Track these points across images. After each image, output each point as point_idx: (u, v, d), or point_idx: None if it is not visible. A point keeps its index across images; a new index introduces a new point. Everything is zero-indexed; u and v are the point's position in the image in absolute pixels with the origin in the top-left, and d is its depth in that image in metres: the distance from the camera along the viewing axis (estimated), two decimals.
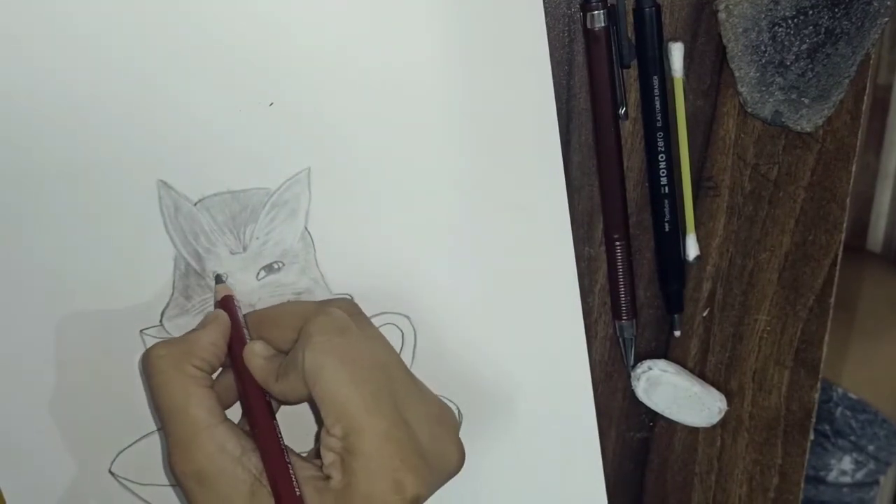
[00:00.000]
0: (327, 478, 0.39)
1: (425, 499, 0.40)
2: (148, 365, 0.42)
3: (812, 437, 0.52)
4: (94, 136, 0.42)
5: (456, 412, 0.48)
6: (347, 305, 0.43)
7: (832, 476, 0.91)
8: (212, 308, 0.45)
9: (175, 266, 0.44)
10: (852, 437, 0.89)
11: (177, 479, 0.41)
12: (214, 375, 0.43)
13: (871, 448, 0.90)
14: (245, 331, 0.43)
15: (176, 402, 0.41)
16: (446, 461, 0.41)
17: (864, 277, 0.96)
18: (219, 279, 0.44)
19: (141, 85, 0.41)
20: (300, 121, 0.42)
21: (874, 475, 0.93)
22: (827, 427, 0.90)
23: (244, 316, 0.44)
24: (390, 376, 0.40)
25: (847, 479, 0.92)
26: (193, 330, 0.44)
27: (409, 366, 0.46)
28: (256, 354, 0.42)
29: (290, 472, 0.40)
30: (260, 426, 0.42)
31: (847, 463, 0.91)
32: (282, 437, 0.42)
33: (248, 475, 0.40)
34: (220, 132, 0.42)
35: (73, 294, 0.44)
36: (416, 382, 0.42)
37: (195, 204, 0.43)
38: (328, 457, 0.39)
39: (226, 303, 0.44)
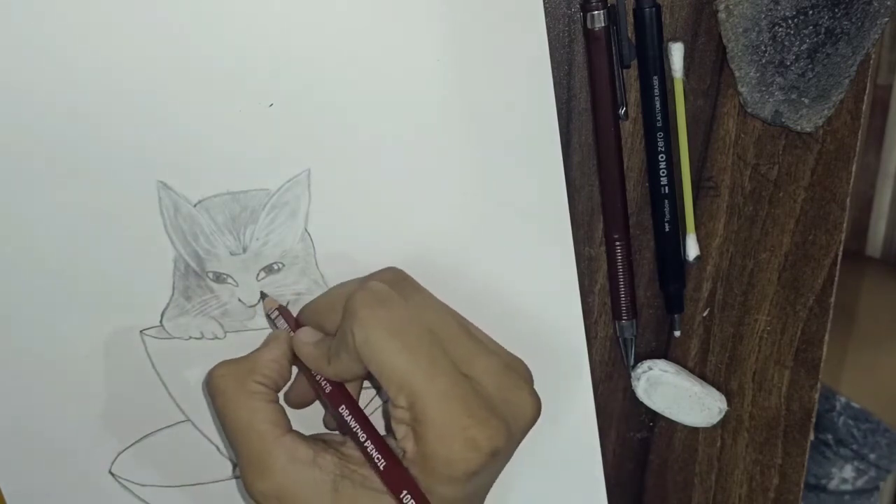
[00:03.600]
0: (404, 452, 0.40)
1: (506, 452, 0.40)
2: (211, 386, 0.43)
3: (812, 437, 0.52)
4: (94, 136, 0.42)
5: None
6: (391, 274, 0.43)
7: (833, 484, 0.91)
8: (211, 308, 0.45)
9: (175, 267, 0.44)
10: (854, 446, 0.89)
11: (255, 501, 0.41)
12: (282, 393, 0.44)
13: (872, 456, 0.90)
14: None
15: (242, 420, 0.41)
16: (520, 410, 0.41)
17: (863, 284, 0.96)
18: (263, 294, 0.45)
19: (141, 86, 0.41)
20: (300, 121, 0.42)
21: (875, 482, 0.93)
22: (829, 436, 0.90)
23: (299, 314, 0.45)
24: (446, 336, 0.40)
25: (848, 487, 0.92)
26: (256, 350, 0.44)
27: None
28: (303, 342, 0.43)
29: (384, 442, 0.41)
30: (341, 412, 0.42)
31: (848, 471, 0.91)
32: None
33: (325, 475, 0.41)
34: (220, 133, 0.42)
35: (74, 294, 0.44)
36: (476, 338, 0.42)
37: (195, 205, 0.43)
38: (400, 430, 0.40)
39: (282, 312, 0.44)
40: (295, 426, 0.43)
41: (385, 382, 0.39)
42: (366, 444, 0.41)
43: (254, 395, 0.42)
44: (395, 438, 0.40)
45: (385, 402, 0.40)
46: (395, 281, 0.42)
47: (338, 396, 0.42)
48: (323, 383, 0.43)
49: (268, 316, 0.45)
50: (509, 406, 0.40)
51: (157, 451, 0.47)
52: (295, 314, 0.45)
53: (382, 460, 0.40)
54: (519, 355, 0.44)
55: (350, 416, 0.42)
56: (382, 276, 0.43)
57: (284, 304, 0.45)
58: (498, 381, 0.40)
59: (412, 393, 0.38)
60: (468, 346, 0.41)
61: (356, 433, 0.41)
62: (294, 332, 0.44)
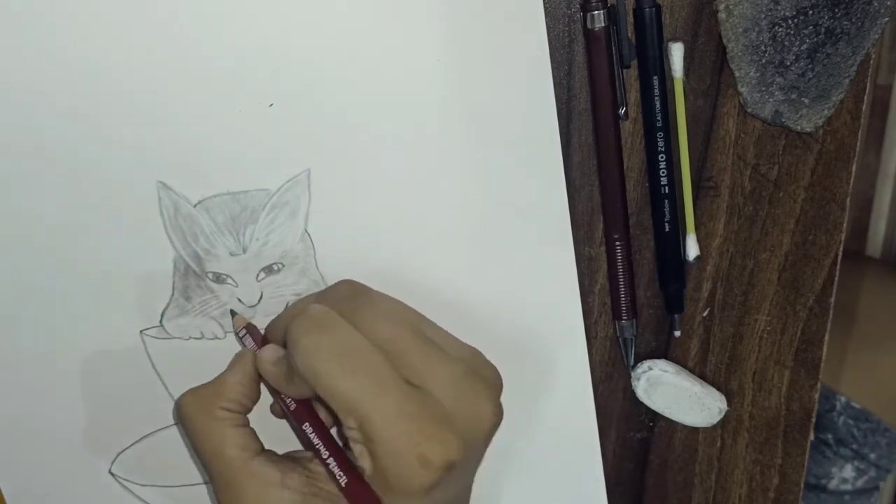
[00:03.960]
0: (363, 469, 0.40)
1: (465, 462, 0.40)
2: (180, 414, 0.43)
3: (812, 437, 0.52)
4: (94, 136, 0.42)
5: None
6: (344, 289, 0.43)
7: (833, 484, 0.91)
8: (211, 308, 0.45)
9: (175, 267, 0.44)
10: (854, 446, 0.89)
11: None
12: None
13: (872, 456, 0.90)
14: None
15: (211, 447, 0.42)
16: (478, 420, 0.40)
17: (863, 284, 0.96)
18: (232, 312, 0.45)
19: (141, 86, 0.41)
20: (300, 121, 0.42)
21: (875, 482, 0.93)
22: (829, 436, 0.90)
23: (268, 327, 0.45)
24: (398, 348, 0.40)
25: (848, 487, 0.92)
26: (222, 373, 0.44)
27: None
28: (264, 361, 0.43)
29: (346, 459, 0.41)
30: (304, 430, 0.42)
31: (848, 471, 0.91)
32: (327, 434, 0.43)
33: (295, 494, 0.41)
34: (219, 133, 0.42)
35: (74, 294, 0.44)
36: (434, 346, 0.41)
37: (195, 205, 0.43)
38: (356, 449, 0.40)
39: (249, 330, 0.44)
40: (275, 441, 0.43)
41: (333, 406, 0.39)
42: (328, 461, 0.41)
43: (220, 421, 0.42)
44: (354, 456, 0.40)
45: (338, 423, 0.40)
46: (346, 296, 0.42)
47: (301, 414, 0.43)
48: (288, 400, 0.43)
49: (236, 334, 0.45)
50: (466, 415, 0.40)
51: (157, 451, 0.47)
52: (251, 323, 0.45)
53: (344, 477, 0.40)
54: (519, 355, 0.44)
55: (313, 434, 0.42)
56: (333, 291, 0.43)
57: (284, 304, 0.45)
58: (454, 390, 0.40)
59: (360, 415, 0.38)
60: (422, 355, 0.40)
61: (319, 450, 0.42)
62: (259, 349, 0.44)
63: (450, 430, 0.39)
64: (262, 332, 0.45)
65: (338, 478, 0.41)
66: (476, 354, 0.43)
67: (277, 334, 0.44)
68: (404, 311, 0.43)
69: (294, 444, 0.45)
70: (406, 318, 0.42)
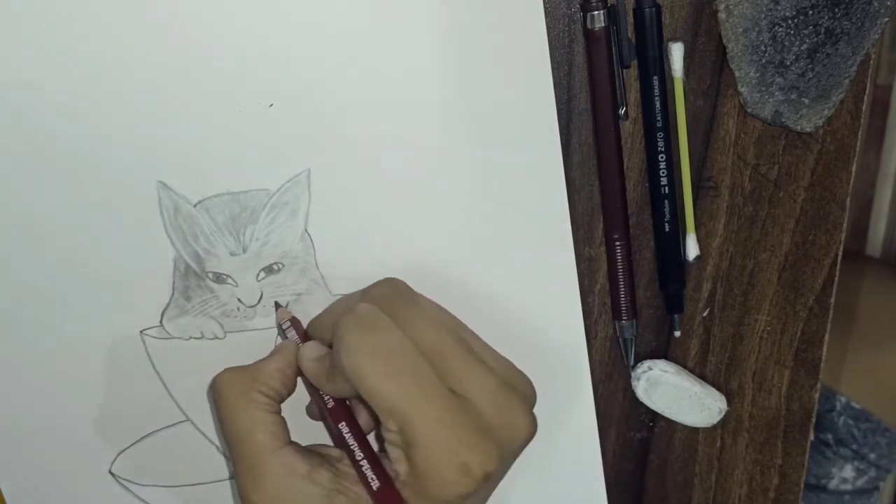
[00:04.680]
0: (397, 473, 0.40)
1: (498, 473, 0.40)
2: (215, 391, 0.43)
3: (812, 437, 0.52)
4: (94, 136, 0.42)
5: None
6: (387, 288, 0.43)
7: (833, 484, 0.91)
8: (211, 308, 0.45)
9: (175, 267, 0.44)
10: (854, 446, 0.89)
11: None
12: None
13: (872, 456, 0.90)
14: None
15: (241, 428, 0.42)
16: (515, 432, 0.40)
17: (863, 284, 0.96)
18: (277, 304, 0.45)
19: (141, 86, 0.41)
20: (300, 121, 0.42)
21: (875, 482, 0.93)
22: (829, 436, 0.90)
23: (310, 324, 0.45)
24: (440, 353, 0.40)
25: (848, 487, 0.92)
26: (262, 359, 0.44)
27: None
28: (305, 358, 0.43)
29: (379, 463, 0.41)
30: (340, 429, 0.42)
31: (848, 471, 0.91)
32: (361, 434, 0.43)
33: (320, 489, 0.41)
34: (219, 133, 0.42)
35: (74, 294, 0.44)
36: (474, 354, 0.41)
37: (195, 205, 0.43)
38: (393, 452, 0.40)
39: (293, 324, 0.45)
40: (298, 436, 0.43)
41: (375, 407, 0.39)
42: (361, 463, 0.41)
43: (255, 404, 0.42)
44: (389, 459, 0.40)
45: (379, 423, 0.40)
46: (391, 296, 0.42)
47: (338, 413, 0.43)
48: (326, 398, 0.43)
49: (279, 326, 0.45)
50: (503, 427, 0.40)
51: (157, 451, 0.47)
52: (296, 316, 0.45)
53: (376, 481, 0.40)
54: (519, 355, 0.44)
55: (349, 434, 0.42)
56: (378, 290, 0.43)
57: (284, 304, 0.45)
58: (493, 400, 0.40)
59: (402, 419, 0.38)
60: (464, 363, 0.40)
61: (353, 451, 0.42)
62: (302, 344, 0.44)
63: (490, 441, 0.39)
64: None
65: (370, 481, 0.40)
66: (511, 366, 0.43)
67: (321, 331, 0.44)
68: (446, 317, 0.43)
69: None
70: (448, 323, 0.42)
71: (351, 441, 0.42)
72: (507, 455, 0.40)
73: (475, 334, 0.43)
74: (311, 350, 0.43)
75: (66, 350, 0.45)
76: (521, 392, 0.42)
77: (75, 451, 0.47)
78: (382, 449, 0.41)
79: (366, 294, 0.43)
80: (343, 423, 0.42)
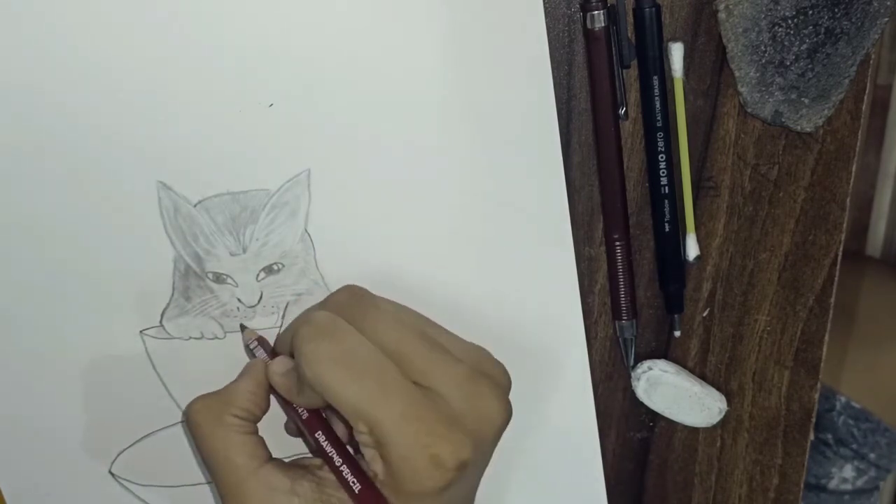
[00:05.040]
0: (375, 473, 0.40)
1: (476, 461, 0.40)
2: (188, 420, 0.43)
3: (812, 437, 0.52)
4: (94, 137, 0.42)
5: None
6: (345, 295, 0.43)
7: (833, 484, 0.91)
8: (211, 308, 0.45)
9: (175, 267, 0.44)
10: (854, 446, 0.89)
11: None
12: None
13: (872, 456, 0.90)
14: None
15: (219, 453, 0.42)
16: (487, 419, 0.41)
17: (863, 284, 0.96)
18: (242, 327, 0.45)
19: (141, 86, 0.41)
20: (300, 121, 0.42)
21: (875, 482, 0.93)
22: (829, 436, 0.90)
23: (276, 339, 0.45)
24: (404, 350, 0.40)
25: (848, 487, 0.92)
26: (232, 381, 0.44)
27: None
28: (274, 373, 0.43)
29: (358, 466, 0.41)
30: (317, 438, 0.43)
31: (848, 471, 0.91)
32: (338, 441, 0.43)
33: (303, 501, 0.41)
34: (219, 133, 0.42)
35: (74, 294, 0.44)
36: (439, 347, 0.41)
37: (195, 205, 0.43)
38: (367, 453, 0.40)
39: (260, 342, 0.45)
40: (279, 450, 0.43)
41: (342, 412, 0.39)
42: (341, 468, 0.41)
43: (230, 428, 0.42)
44: (366, 461, 0.41)
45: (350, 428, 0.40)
46: (348, 301, 0.42)
47: (313, 423, 0.43)
48: (300, 410, 0.43)
49: (247, 346, 0.45)
50: (474, 415, 0.40)
51: (157, 451, 0.47)
52: (262, 335, 0.46)
53: (357, 484, 0.41)
54: (519, 355, 0.44)
55: (326, 442, 0.42)
56: (336, 297, 0.43)
57: (284, 305, 0.45)
58: (461, 390, 0.40)
59: (369, 419, 0.39)
60: (428, 357, 0.40)
61: (331, 458, 0.42)
62: (269, 361, 0.44)
63: (460, 430, 0.39)
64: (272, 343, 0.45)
65: (351, 485, 0.41)
66: (482, 354, 0.43)
67: (286, 346, 0.44)
68: (408, 315, 0.43)
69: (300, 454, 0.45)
70: (410, 321, 0.42)
71: (328, 448, 0.42)
72: (481, 443, 0.40)
73: (442, 328, 0.43)
74: (279, 365, 0.43)
75: (66, 350, 0.45)
76: (493, 379, 0.42)
77: (75, 451, 0.47)
78: (359, 451, 0.41)
79: (323, 303, 0.43)
80: (319, 431, 0.42)
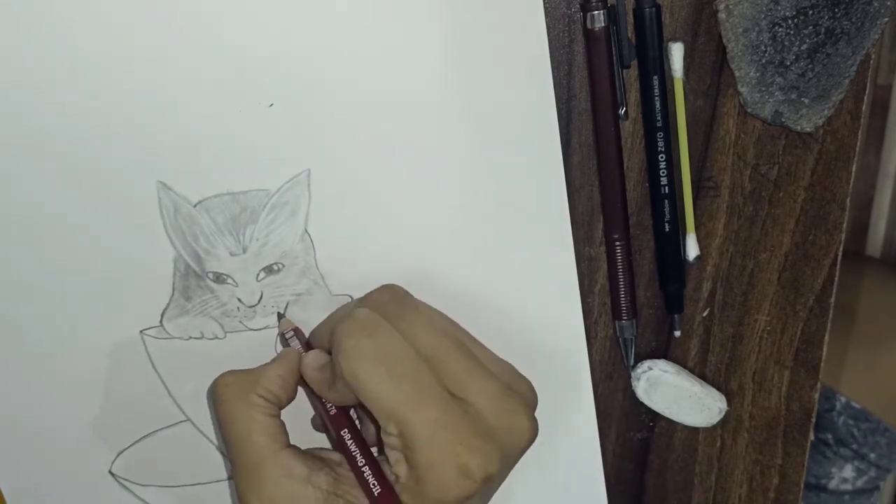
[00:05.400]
0: (397, 477, 0.40)
1: (499, 476, 0.40)
2: (215, 393, 0.43)
3: (812, 437, 0.52)
4: (94, 137, 0.42)
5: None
6: (386, 294, 0.43)
7: (833, 484, 0.91)
8: (211, 308, 0.45)
9: (175, 267, 0.44)
10: (854, 446, 0.89)
11: None
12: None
13: (872, 456, 0.90)
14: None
15: (239, 430, 0.42)
16: (516, 435, 0.41)
17: (863, 284, 0.96)
18: (279, 315, 0.45)
19: (141, 86, 0.41)
20: (300, 122, 0.42)
21: (875, 482, 0.93)
22: (829, 436, 0.90)
23: (312, 333, 0.45)
24: (440, 357, 0.40)
25: (848, 487, 0.92)
26: (265, 364, 0.44)
27: None
28: (308, 366, 0.43)
29: (380, 468, 0.41)
30: (343, 436, 0.43)
31: (848, 471, 0.91)
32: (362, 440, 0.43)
33: (318, 492, 0.41)
34: (219, 133, 0.42)
35: (74, 294, 0.44)
36: (474, 358, 0.41)
37: (195, 205, 0.43)
38: (392, 455, 0.40)
39: (296, 333, 0.45)
40: (298, 439, 0.43)
41: (374, 412, 0.39)
42: (363, 468, 0.41)
43: (254, 406, 0.42)
44: (388, 463, 0.40)
45: (377, 427, 0.40)
46: (389, 301, 0.42)
47: (340, 420, 0.43)
48: (328, 406, 0.43)
49: (282, 335, 0.45)
50: (505, 431, 0.40)
51: (157, 451, 0.47)
52: (296, 316, 0.45)
53: (377, 486, 0.41)
54: (519, 355, 0.44)
55: (351, 441, 0.42)
56: (377, 296, 0.43)
57: (284, 305, 0.45)
58: (494, 404, 0.40)
59: (401, 422, 0.38)
60: (464, 367, 0.40)
61: (354, 457, 0.42)
62: (305, 352, 0.44)
63: (491, 443, 0.39)
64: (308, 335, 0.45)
65: (371, 486, 0.41)
66: (512, 370, 0.43)
67: (322, 340, 0.44)
68: (446, 322, 0.43)
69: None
70: (448, 328, 0.42)
71: (353, 447, 0.42)
72: (508, 458, 0.40)
73: (476, 339, 0.43)
74: (314, 358, 0.43)
75: (66, 350, 0.45)
76: (523, 396, 0.42)
77: (75, 451, 0.47)
78: (382, 453, 0.41)
79: (364, 300, 0.43)
80: (345, 429, 0.42)
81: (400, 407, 0.38)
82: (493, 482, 0.39)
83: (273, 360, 0.44)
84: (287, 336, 0.45)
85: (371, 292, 0.44)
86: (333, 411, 0.43)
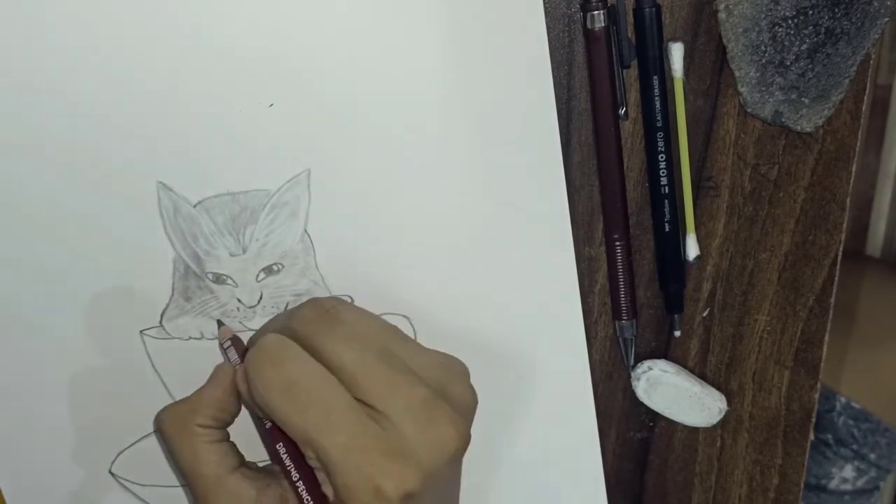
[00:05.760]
0: (325, 496, 0.40)
1: (426, 490, 0.39)
2: (158, 430, 0.44)
3: (812, 437, 0.52)
4: (94, 137, 0.42)
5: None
6: (311, 311, 0.42)
7: (833, 484, 0.91)
8: (211, 309, 0.45)
9: (175, 267, 0.44)
10: (854, 446, 0.89)
11: None
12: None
13: (872, 456, 0.90)
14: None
15: (186, 462, 0.42)
16: (439, 446, 0.40)
17: (863, 284, 0.96)
18: (219, 323, 0.45)
19: (140, 86, 0.41)
20: (300, 121, 0.42)
21: (875, 482, 0.93)
22: (829, 436, 0.90)
23: (248, 342, 0.45)
24: (359, 376, 0.39)
25: (848, 487, 0.92)
26: (200, 388, 0.44)
27: None
28: (241, 381, 0.43)
29: (316, 482, 0.41)
30: (278, 450, 0.43)
31: (849, 471, 0.91)
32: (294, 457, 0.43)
33: None
34: (219, 133, 0.42)
35: (74, 294, 0.44)
36: (400, 369, 0.40)
37: (195, 206, 0.43)
38: (319, 475, 0.40)
39: (234, 343, 0.44)
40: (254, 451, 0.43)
41: (291, 436, 0.40)
42: (297, 483, 0.41)
43: (196, 437, 0.42)
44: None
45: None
46: (313, 319, 0.41)
47: (275, 434, 0.42)
48: (263, 420, 0.43)
49: (221, 345, 0.45)
50: (427, 442, 0.39)
51: (157, 451, 0.47)
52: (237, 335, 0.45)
53: (311, 502, 0.41)
54: (518, 355, 0.44)
55: (286, 455, 0.42)
56: (301, 313, 0.42)
57: (284, 305, 0.45)
58: (415, 416, 0.39)
59: (314, 448, 0.39)
60: (385, 380, 0.40)
61: (290, 472, 0.42)
62: (239, 366, 0.43)
63: (406, 463, 0.38)
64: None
65: (305, 501, 0.41)
66: (452, 371, 0.42)
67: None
68: (373, 331, 0.42)
69: None
70: (373, 339, 0.41)
71: (288, 462, 0.42)
72: (433, 471, 0.39)
73: (413, 342, 0.43)
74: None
75: (66, 350, 0.45)
76: (455, 402, 0.41)
77: (75, 451, 0.47)
78: None
79: (290, 316, 0.42)
80: (280, 443, 0.42)
81: (310, 435, 0.38)
82: (416, 498, 0.39)
83: (208, 382, 0.44)
84: (225, 346, 0.44)
85: (297, 307, 0.43)
86: (269, 425, 0.43)
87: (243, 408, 0.44)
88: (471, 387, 0.43)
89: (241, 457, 0.44)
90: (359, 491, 0.38)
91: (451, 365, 0.43)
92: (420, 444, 0.39)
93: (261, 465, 0.46)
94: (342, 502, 0.39)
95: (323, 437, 0.38)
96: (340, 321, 0.41)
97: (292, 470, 0.42)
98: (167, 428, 0.43)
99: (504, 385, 0.49)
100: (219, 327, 0.45)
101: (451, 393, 0.41)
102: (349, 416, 0.39)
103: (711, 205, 0.47)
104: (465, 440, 0.41)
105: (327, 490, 0.40)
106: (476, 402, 0.43)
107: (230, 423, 0.44)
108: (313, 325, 0.41)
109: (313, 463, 0.40)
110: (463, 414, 0.41)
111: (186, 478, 0.43)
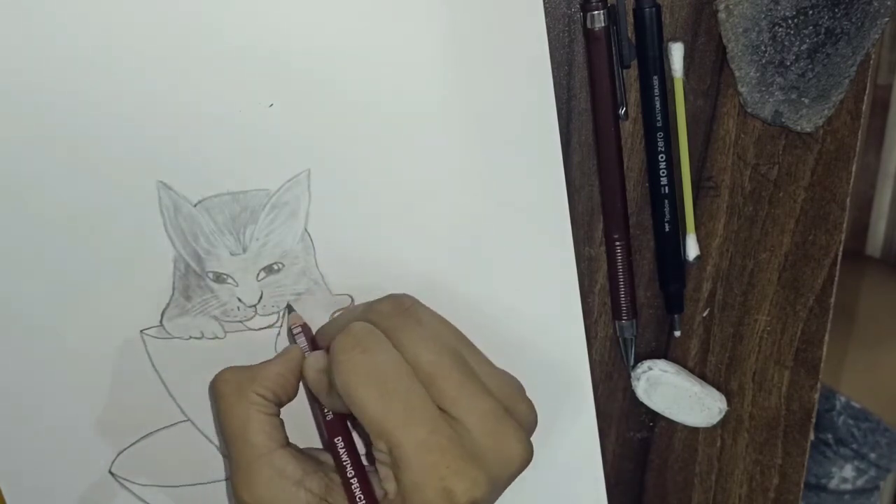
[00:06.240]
0: (385, 492, 0.40)
1: (486, 500, 0.39)
2: (214, 388, 0.43)
3: (812, 436, 0.52)
4: (94, 136, 0.42)
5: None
6: (391, 306, 0.42)
7: (833, 483, 0.91)
8: (211, 308, 0.45)
9: (175, 267, 0.44)
10: (854, 446, 0.89)
11: None
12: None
13: (872, 456, 0.90)
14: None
15: (236, 427, 0.42)
16: (507, 459, 0.40)
17: (863, 284, 0.96)
18: (289, 308, 0.45)
19: (141, 86, 0.41)
20: (300, 121, 0.42)
21: (875, 481, 0.93)
22: (829, 435, 0.90)
23: (318, 332, 0.45)
24: (437, 374, 0.40)
25: (848, 487, 0.92)
26: (266, 360, 0.44)
27: None
28: (310, 367, 0.43)
29: (369, 482, 0.41)
30: (335, 443, 0.43)
31: (848, 471, 0.91)
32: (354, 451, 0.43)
33: (310, 496, 0.41)
34: (219, 133, 0.42)
35: (74, 294, 0.44)
36: (473, 376, 0.41)
37: (195, 205, 0.43)
38: (382, 471, 0.40)
39: (304, 331, 0.44)
40: (299, 442, 0.43)
41: (365, 428, 0.39)
42: (351, 480, 0.41)
43: (252, 404, 0.42)
44: (379, 476, 0.40)
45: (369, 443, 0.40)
46: (392, 314, 0.42)
47: (335, 427, 0.43)
48: (325, 410, 0.43)
49: (289, 330, 0.45)
50: (495, 453, 0.39)
51: (157, 451, 0.47)
52: (300, 314, 0.45)
53: (363, 501, 0.41)
54: (519, 356, 0.44)
55: (343, 450, 0.42)
56: (381, 306, 0.42)
57: (283, 304, 0.45)
58: (487, 426, 0.39)
59: (390, 441, 0.38)
60: (460, 386, 0.40)
61: (345, 467, 0.42)
62: (310, 351, 0.44)
63: (478, 468, 0.39)
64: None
65: (358, 500, 0.41)
66: (514, 388, 0.42)
67: (327, 340, 0.43)
68: (448, 335, 0.42)
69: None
70: (449, 342, 0.41)
71: (344, 457, 0.42)
72: (496, 482, 0.40)
73: (480, 352, 0.43)
74: (316, 360, 0.43)
75: (66, 350, 0.45)
76: (520, 418, 0.41)
77: (75, 451, 0.47)
78: (374, 465, 0.41)
79: (369, 309, 0.43)
80: (339, 437, 0.42)
81: (389, 426, 0.38)
82: None
83: (276, 357, 0.44)
84: (294, 332, 0.45)
85: (376, 301, 0.43)
86: (330, 417, 0.43)
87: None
88: (532, 405, 0.43)
89: (287, 437, 0.43)
90: (427, 489, 0.38)
91: (513, 381, 0.43)
92: (489, 453, 0.39)
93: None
94: (405, 499, 0.38)
95: (401, 430, 0.38)
96: (419, 320, 0.42)
97: (348, 466, 0.42)
98: (223, 387, 0.42)
99: None
100: (288, 312, 0.45)
101: (516, 409, 0.42)
102: (429, 414, 0.39)
103: (711, 205, 0.47)
104: (530, 456, 0.41)
105: (387, 486, 0.39)
106: (537, 421, 0.43)
107: (284, 404, 0.43)
108: (393, 319, 0.41)
109: (381, 456, 0.39)
110: (528, 431, 0.42)
111: (233, 443, 0.42)
